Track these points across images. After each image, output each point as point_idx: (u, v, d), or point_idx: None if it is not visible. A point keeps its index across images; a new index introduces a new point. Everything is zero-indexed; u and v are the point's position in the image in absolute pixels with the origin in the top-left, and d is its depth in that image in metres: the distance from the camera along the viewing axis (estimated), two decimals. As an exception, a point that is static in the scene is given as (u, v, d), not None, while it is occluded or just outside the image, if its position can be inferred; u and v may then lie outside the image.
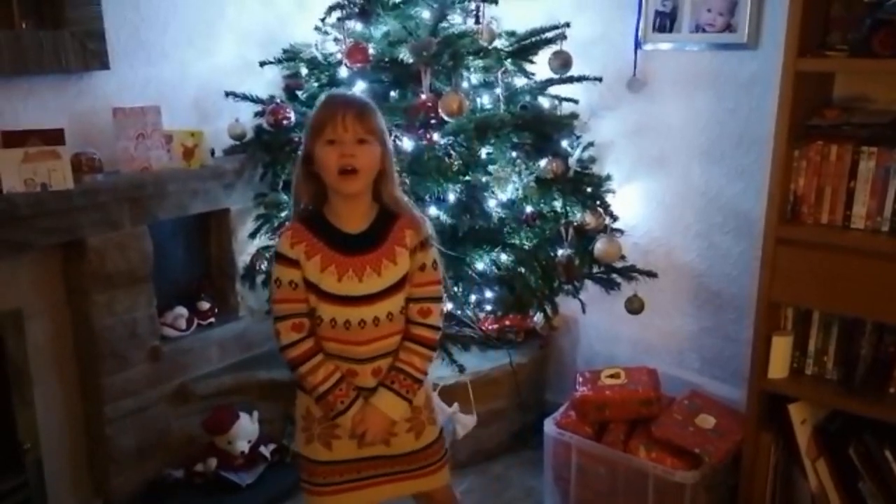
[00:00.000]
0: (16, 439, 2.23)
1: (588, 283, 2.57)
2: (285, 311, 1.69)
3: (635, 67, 2.59)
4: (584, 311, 2.64)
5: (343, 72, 2.51)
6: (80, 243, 2.24)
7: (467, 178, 2.38)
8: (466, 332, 2.75)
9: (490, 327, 2.83)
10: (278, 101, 2.58)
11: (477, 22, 2.50)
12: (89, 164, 2.24)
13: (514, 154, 2.42)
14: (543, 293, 2.46)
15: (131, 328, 2.41)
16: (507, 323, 2.83)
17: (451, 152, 2.37)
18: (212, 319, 2.72)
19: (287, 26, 2.80)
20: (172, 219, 2.51)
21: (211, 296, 2.75)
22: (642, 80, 2.60)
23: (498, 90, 2.46)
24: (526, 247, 2.43)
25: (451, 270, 2.22)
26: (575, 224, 2.44)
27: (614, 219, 2.56)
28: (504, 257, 2.43)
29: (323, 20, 2.63)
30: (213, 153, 2.61)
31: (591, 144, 2.67)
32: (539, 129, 2.45)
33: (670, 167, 2.62)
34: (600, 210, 2.50)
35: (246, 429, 2.59)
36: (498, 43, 2.51)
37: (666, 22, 2.52)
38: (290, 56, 2.69)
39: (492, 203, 2.44)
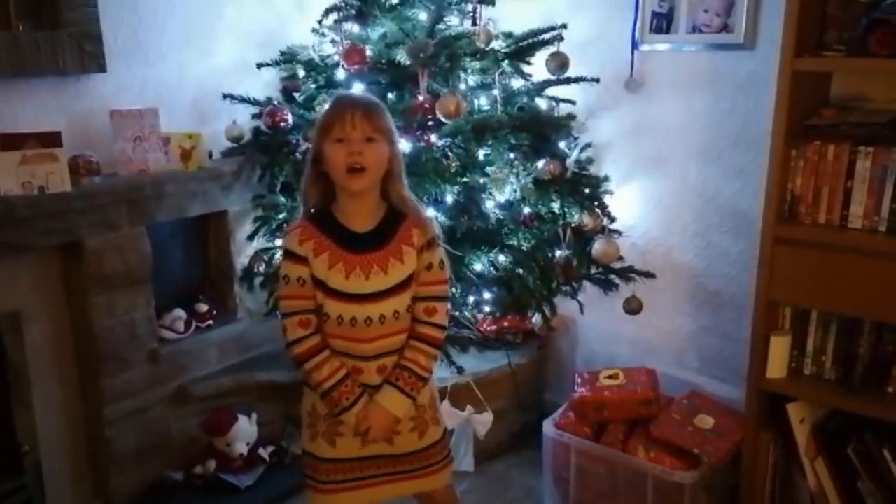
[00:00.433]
0: (15, 441, 2.24)
1: (586, 283, 2.57)
2: (292, 307, 1.71)
3: (632, 68, 2.59)
4: (582, 311, 2.64)
5: (340, 73, 2.51)
6: (79, 245, 2.24)
7: (465, 179, 2.39)
8: (465, 334, 2.75)
9: (488, 328, 2.84)
10: (276, 102, 2.57)
11: (474, 23, 2.50)
12: (87, 167, 2.24)
13: (511, 155, 2.42)
14: (542, 294, 2.46)
15: (130, 330, 2.41)
16: (506, 324, 2.84)
17: (449, 154, 2.37)
18: (210, 321, 2.71)
19: (285, 28, 2.80)
20: (170, 220, 2.51)
21: (209, 297, 2.75)
22: (639, 81, 2.60)
23: (495, 91, 2.46)
24: (524, 248, 2.43)
25: (449, 271, 2.22)
26: (573, 225, 2.44)
27: (612, 219, 2.56)
28: (502, 258, 2.43)
29: (320, 22, 2.63)
30: (210, 155, 2.61)
31: (588, 145, 2.67)
32: (537, 131, 2.45)
33: (668, 167, 2.63)
34: (598, 211, 2.50)
35: (245, 430, 2.59)
36: (495, 44, 2.51)
37: (663, 23, 2.52)
38: (288, 58, 2.69)
39: (489, 204, 2.44)
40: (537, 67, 2.57)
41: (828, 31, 2.04)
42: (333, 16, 2.54)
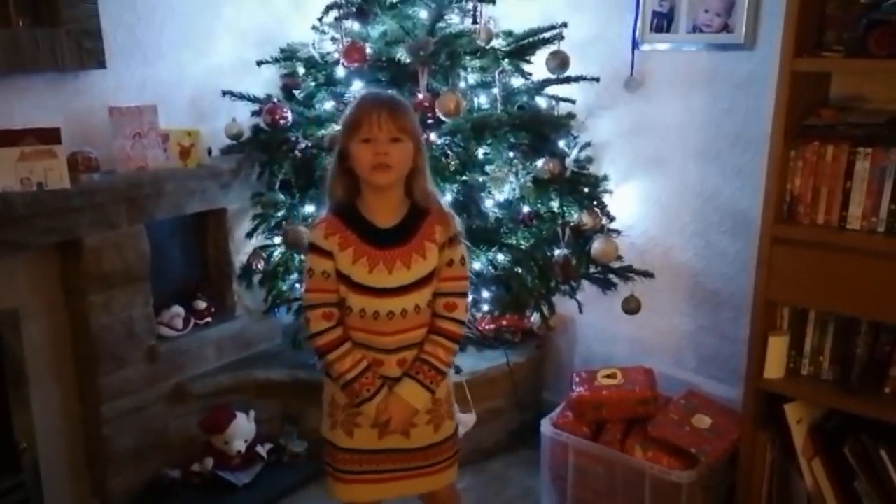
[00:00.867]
0: (13, 439, 2.23)
1: (585, 283, 2.57)
2: (316, 300, 1.75)
3: (632, 67, 2.59)
4: (580, 310, 2.65)
5: (340, 71, 2.51)
6: (77, 243, 2.24)
7: (464, 177, 2.39)
8: (463, 332, 2.75)
9: (487, 327, 2.83)
10: (275, 100, 2.57)
11: (474, 22, 2.51)
12: (86, 164, 2.24)
13: (511, 154, 2.43)
14: (540, 293, 2.47)
15: (128, 328, 2.41)
16: (504, 323, 2.84)
17: (448, 152, 2.38)
18: (208, 319, 2.71)
19: (284, 26, 2.80)
20: (169, 218, 2.51)
21: (208, 295, 2.75)
22: (639, 81, 2.60)
23: (495, 90, 2.46)
24: (523, 247, 2.44)
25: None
26: (572, 224, 2.45)
27: (611, 219, 2.56)
28: (501, 257, 2.44)
29: (320, 19, 2.64)
30: (210, 152, 2.61)
31: (588, 144, 2.67)
32: (536, 129, 2.45)
33: (667, 167, 2.63)
34: (597, 210, 2.50)
35: (243, 428, 2.59)
36: (495, 43, 2.50)
37: (663, 22, 2.52)
38: (288, 55, 2.69)
39: (489, 203, 2.44)
40: (537, 66, 2.57)
41: (827, 31, 2.04)
42: (334, 13, 2.54)
